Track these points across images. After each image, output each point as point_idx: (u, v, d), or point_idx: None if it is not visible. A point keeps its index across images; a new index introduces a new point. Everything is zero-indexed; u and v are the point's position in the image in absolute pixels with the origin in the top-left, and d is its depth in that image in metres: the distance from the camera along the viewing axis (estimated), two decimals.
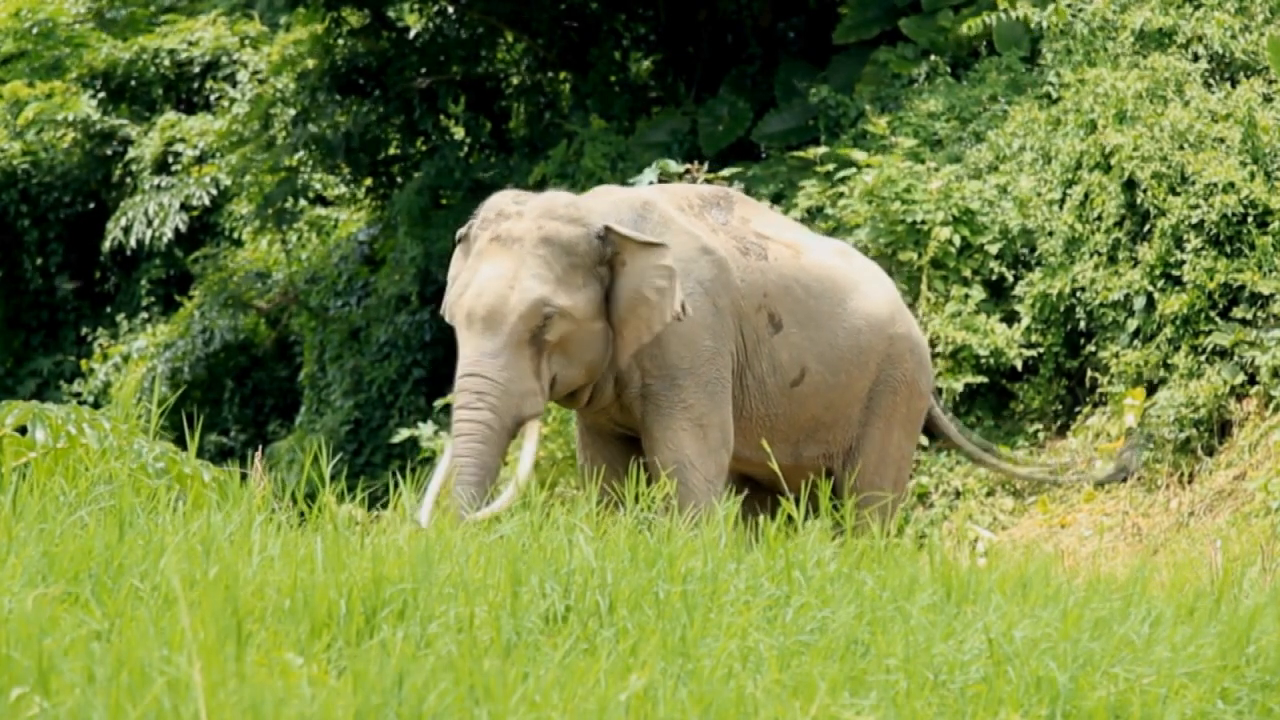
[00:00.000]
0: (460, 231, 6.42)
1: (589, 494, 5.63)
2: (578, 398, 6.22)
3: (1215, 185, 8.89)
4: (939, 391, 9.49)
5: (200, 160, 16.02)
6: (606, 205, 6.27)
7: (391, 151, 14.80)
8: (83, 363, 16.09)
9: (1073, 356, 9.42)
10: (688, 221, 6.36)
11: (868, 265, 7.01)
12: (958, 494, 9.20)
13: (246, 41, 16.62)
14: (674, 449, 6.17)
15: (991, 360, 9.40)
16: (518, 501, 5.44)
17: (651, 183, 10.12)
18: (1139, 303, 9.04)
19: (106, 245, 15.67)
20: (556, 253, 6.05)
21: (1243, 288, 8.77)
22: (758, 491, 6.56)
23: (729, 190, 6.71)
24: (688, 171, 10.22)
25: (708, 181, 10.01)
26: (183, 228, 15.71)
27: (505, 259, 6.04)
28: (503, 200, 6.23)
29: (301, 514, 4.45)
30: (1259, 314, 8.73)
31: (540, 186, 12.77)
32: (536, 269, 6.02)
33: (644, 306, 6.10)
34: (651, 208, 6.28)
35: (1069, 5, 10.53)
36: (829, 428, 6.69)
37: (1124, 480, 8.77)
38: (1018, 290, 9.59)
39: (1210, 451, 8.64)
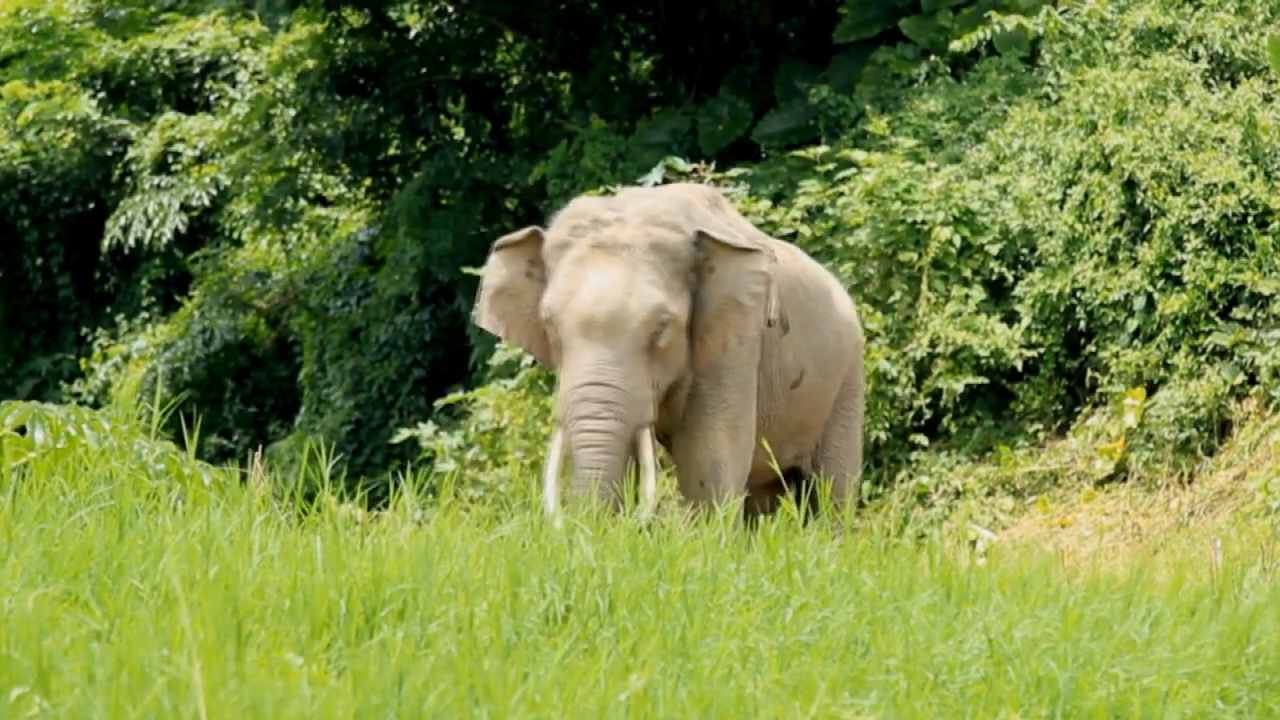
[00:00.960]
0: (505, 239, 6.33)
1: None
2: None
3: (1215, 185, 8.88)
4: (939, 392, 9.49)
5: (200, 160, 16.01)
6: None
7: (391, 151, 14.79)
8: (83, 363, 16.09)
9: (1073, 356, 9.42)
10: (720, 221, 6.38)
11: (822, 267, 7.14)
12: (958, 494, 9.19)
13: (246, 41, 16.62)
14: (712, 448, 6.15)
15: (991, 360, 9.39)
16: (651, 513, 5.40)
17: (656, 183, 10.13)
18: (1139, 303, 9.03)
19: (106, 245, 15.68)
20: (665, 259, 6.01)
21: (1243, 288, 8.76)
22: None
23: (717, 192, 6.72)
24: (694, 171, 10.22)
25: (714, 182, 10.02)
26: (182, 228, 15.71)
27: (616, 266, 5.97)
28: (593, 206, 6.17)
29: (301, 514, 4.45)
30: (1259, 314, 8.73)
31: (540, 186, 12.77)
32: (650, 276, 5.97)
33: (735, 312, 6.07)
34: (692, 208, 6.28)
35: (1064, 12, 10.52)
36: (808, 430, 6.74)
37: None
38: (1018, 290, 9.58)
39: (1210, 451, 8.64)
